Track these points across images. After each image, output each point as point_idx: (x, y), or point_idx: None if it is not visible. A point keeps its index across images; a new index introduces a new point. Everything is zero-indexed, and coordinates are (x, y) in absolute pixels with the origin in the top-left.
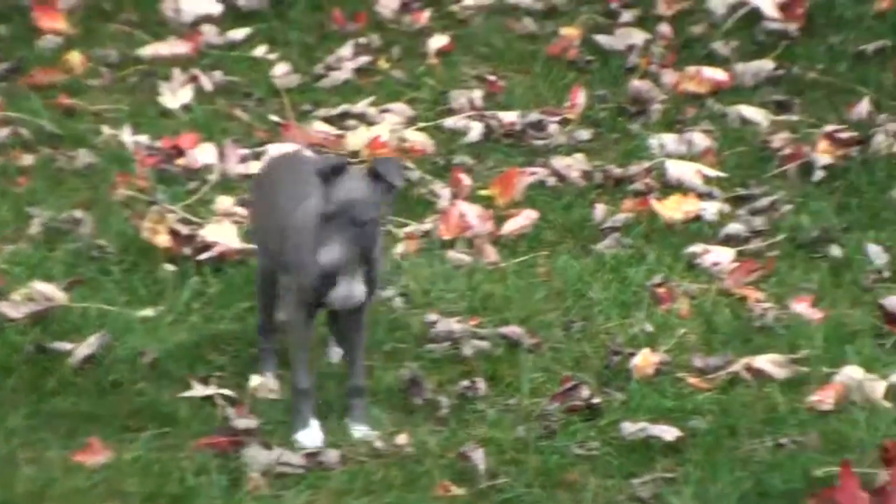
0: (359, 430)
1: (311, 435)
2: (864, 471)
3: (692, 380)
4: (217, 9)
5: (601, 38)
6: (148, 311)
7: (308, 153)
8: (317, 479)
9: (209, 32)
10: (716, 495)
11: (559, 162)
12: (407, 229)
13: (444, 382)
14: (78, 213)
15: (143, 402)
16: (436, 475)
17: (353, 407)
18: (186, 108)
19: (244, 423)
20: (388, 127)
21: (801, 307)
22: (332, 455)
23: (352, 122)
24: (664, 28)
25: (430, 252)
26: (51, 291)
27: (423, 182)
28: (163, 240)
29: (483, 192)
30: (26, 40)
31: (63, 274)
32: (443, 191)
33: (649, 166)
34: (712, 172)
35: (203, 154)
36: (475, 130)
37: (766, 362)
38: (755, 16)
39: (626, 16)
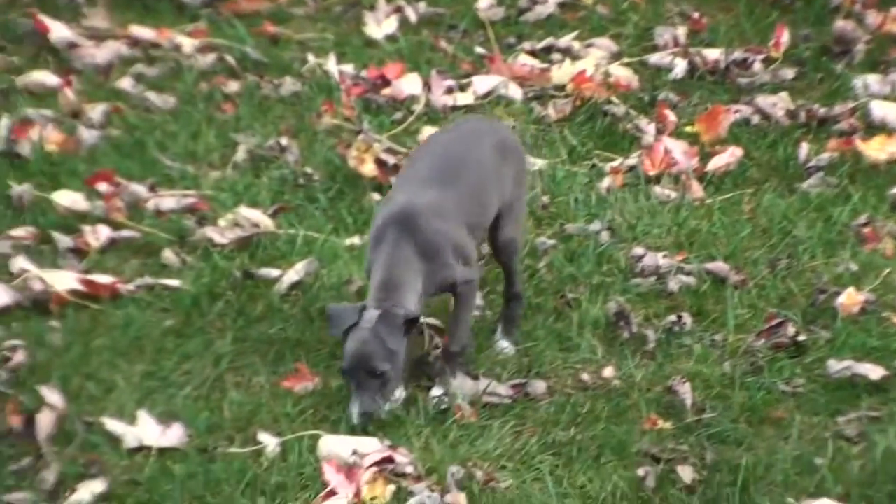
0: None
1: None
2: None
3: None
4: None
5: None
6: (354, 240)
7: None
8: (523, 409)
9: None
10: None
11: (764, 100)
12: (612, 164)
13: (651, 316)
14: (284, 141)
15: None
16: (642, 408)
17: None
18: (391, 38)
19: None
20: (592, 61)
21: None
22: (540, 386)
23: (556, 56)
24: None
25: (635, 187)
26: (257, 217)
27: (628, 117)
28: (369, 169)
29: (688, 129)
30: None
31: (269, 200)
32: (648, 126)
33: (853, 107)
34: None
35: (409, 84)
36: (679, 67)
37: None
38: None
39: None
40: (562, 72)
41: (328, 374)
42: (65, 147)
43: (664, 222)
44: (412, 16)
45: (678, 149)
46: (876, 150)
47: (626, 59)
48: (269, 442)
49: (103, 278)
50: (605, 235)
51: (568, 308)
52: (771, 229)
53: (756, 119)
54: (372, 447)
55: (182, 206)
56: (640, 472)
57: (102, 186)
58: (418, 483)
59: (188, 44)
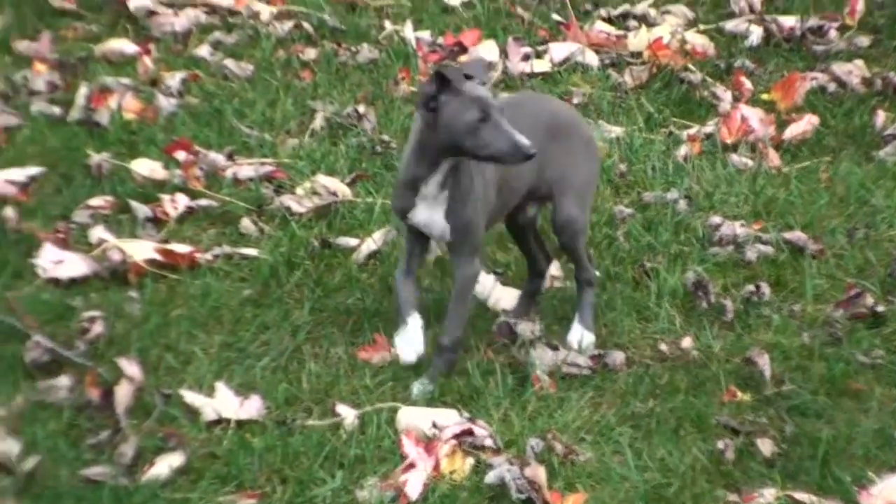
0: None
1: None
2: None
3: None
4: None
5: None
6: None
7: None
8: (602, 380)
9: None
10: None
11: (840, 68)
12: (689, 131)
13: (729, 286)
14: (361, 108)
15: (431, 300)
16: (722, 380)
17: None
18: (468, 5)
19: (526, 326)
20: (668, 28)
21: None
22: (618, 357)
23: (633, 23)
24: None
25: (712, 155)
26: (335, 186)
27: (705, 84)
28: None
29: (764, 97)
30: None
31: (347, 169)
32: (724, 94)
33: None
34: None
35: (485, 51)
36: (755, 34)
37: None
38: None
39: None
40: (638, 39)
41: None
42: (143, 115)
43: (741, 191)
44: None
45: (754, 116)
46: None
47: (701, 27)
48: (348, 414)
49: (181, 248)
50: (682, 204)
51: (646, 277)
52: (848, 198)
53: (832, 87)
54: (451, 420)
55: (260, 174)
56: (720, 444)
57: (180, 155)
58: (497, 456)
59: (266, 11)
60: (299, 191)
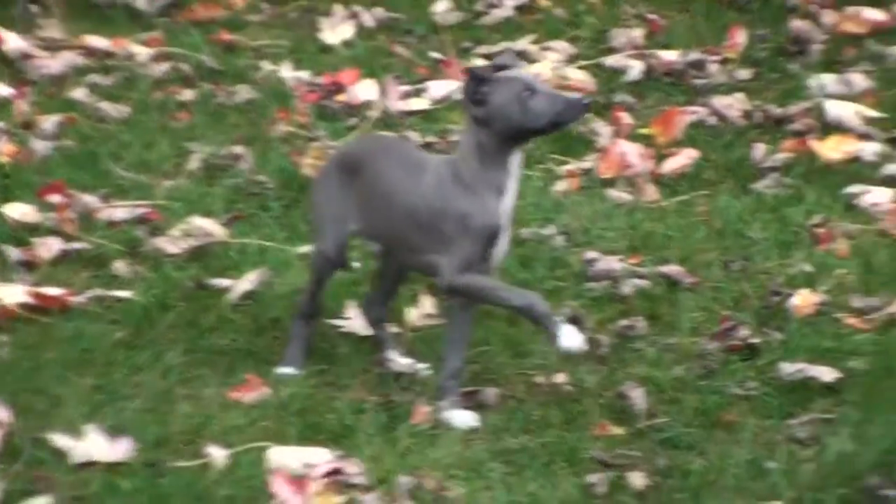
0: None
1: (574, 336)
2: None
3: (851, 320)
4: None
5: None
6: (307, 248)
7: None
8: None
9: None
10: (874, 437)
11: (719, 101)
12: (567, 167)
13: (604, 321)
14: (238, 149)
15: None
16: (595, 414)
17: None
18: (347, 44)
19: (403, 362)
20: (549, 65)
21: None
22: (491, 393)
23: None
24: None
25: (590, 190)
26: (210, 227)
27: (584, 120)
28: None
29: (643, 131)
30: None
31: (222, 209)
32: (603, 129)
33: (809, 106)
34: (872, 112)
35: (364, 90)
36: (635, 69)
37: None
38: None
39: None
40: None
41: (278, 384)
42: (17, 159)
43: (618, 225)
44: (368, 20)
45: (633, 151)
46: (830, 150)
47: (582, 62)
48: (218, 454)
49: (53, 291)
50: (559, 240)
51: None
52: (725, 231)
53: (712, 120)
54: (322, 458)
55: (134, 216)
56: (592, 478)
57: (55, 198)
58: (368, 494)
59: (143, 52)
60: (174, 232)
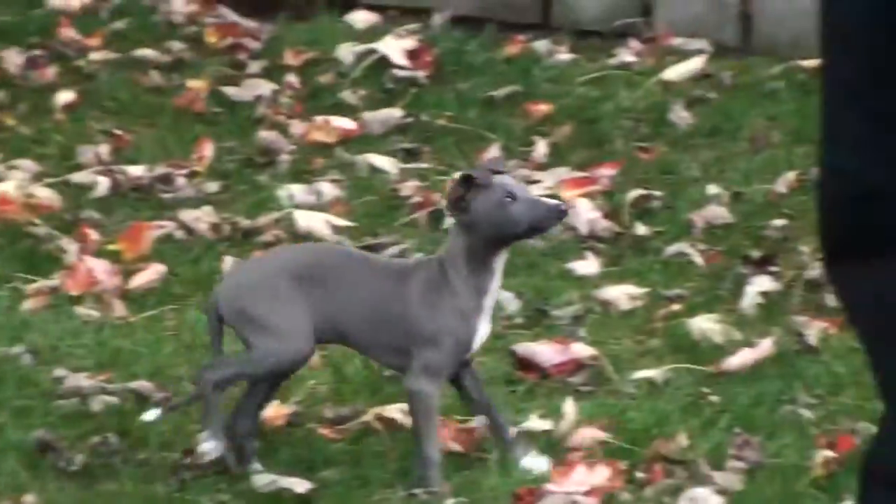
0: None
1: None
2: None
3: (323, 430)
4: None
5: (228, 90)
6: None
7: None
8: None
9: None
10: None
11: (187, 215)
12: (33, 286)
13: (76, 438)
14: None
15: None
16: None
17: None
18: None
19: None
20: (14, 183)
21: None
22: None
23: None
24: (292, 78)
25: (57, 308)
26: None
27: (51, 238)
28: None
29: (111, 247)
30: None
31: None
32: (70, 246)
33: (278, 217)
34: (341, 222)
35: None
36: (102, 185)
37: (397, 412)
38: (384, 64)
39: (254, 67)
40: None
41: None
42: None
43: (87, 342)
44: None
45: (100, 267)
46: None
47: (49, 179)
48: None
49: None
50: (27, 358)
51: None
52: (194, 344)
53: (180, 234)
54: None
55: None
56: None
57: None
58: None
59: None
60: None
